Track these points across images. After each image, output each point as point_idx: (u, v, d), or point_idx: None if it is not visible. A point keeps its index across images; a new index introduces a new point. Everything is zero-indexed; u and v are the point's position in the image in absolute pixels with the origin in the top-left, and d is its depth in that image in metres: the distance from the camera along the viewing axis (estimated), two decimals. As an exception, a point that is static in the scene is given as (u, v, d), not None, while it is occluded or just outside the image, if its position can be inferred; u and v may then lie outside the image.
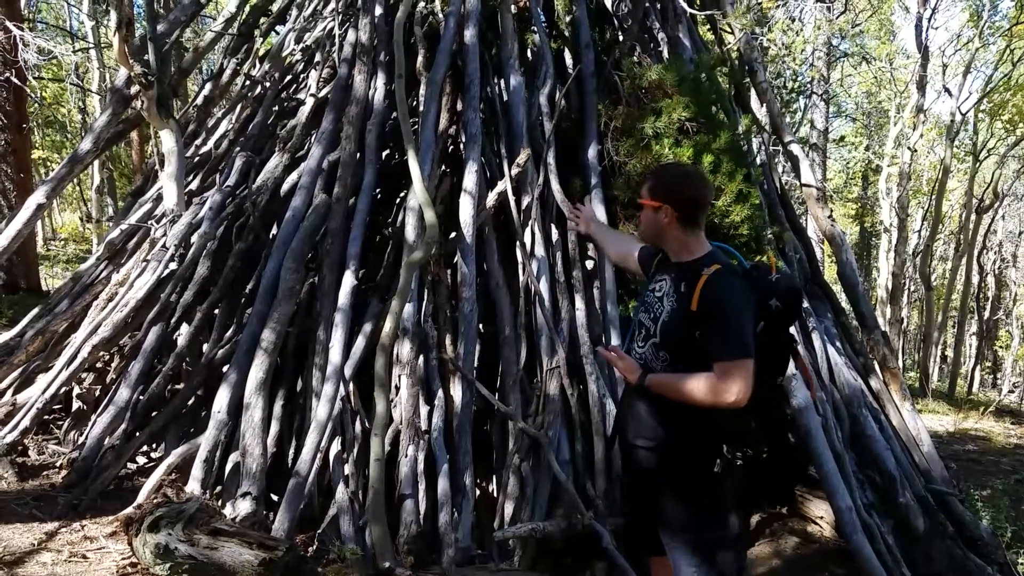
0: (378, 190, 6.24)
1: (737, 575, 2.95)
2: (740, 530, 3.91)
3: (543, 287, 5.27)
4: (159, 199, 6.38)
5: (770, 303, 2.78)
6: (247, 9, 7.41)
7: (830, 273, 14.72)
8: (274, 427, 4.94)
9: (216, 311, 5.68)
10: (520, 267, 5.47)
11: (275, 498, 4.59)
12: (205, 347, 5.63)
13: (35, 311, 6.31)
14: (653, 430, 2.82)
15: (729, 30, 7.57)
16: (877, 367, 6.27)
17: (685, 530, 2.80)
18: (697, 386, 2.64)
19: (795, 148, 6.71)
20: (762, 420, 2.81)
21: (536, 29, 6.52)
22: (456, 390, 4.97)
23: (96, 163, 17.86)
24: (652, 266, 3.11)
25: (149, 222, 6.22)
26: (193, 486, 4.51)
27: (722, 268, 2.75)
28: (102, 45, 16.98)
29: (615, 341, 5.30)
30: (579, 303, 5.32)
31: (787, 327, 2.97)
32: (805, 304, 5.97)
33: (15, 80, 9.57)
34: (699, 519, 2.80)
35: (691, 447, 2.76)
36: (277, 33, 7.74)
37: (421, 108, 5.74)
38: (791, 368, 5.15)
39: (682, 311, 2.73)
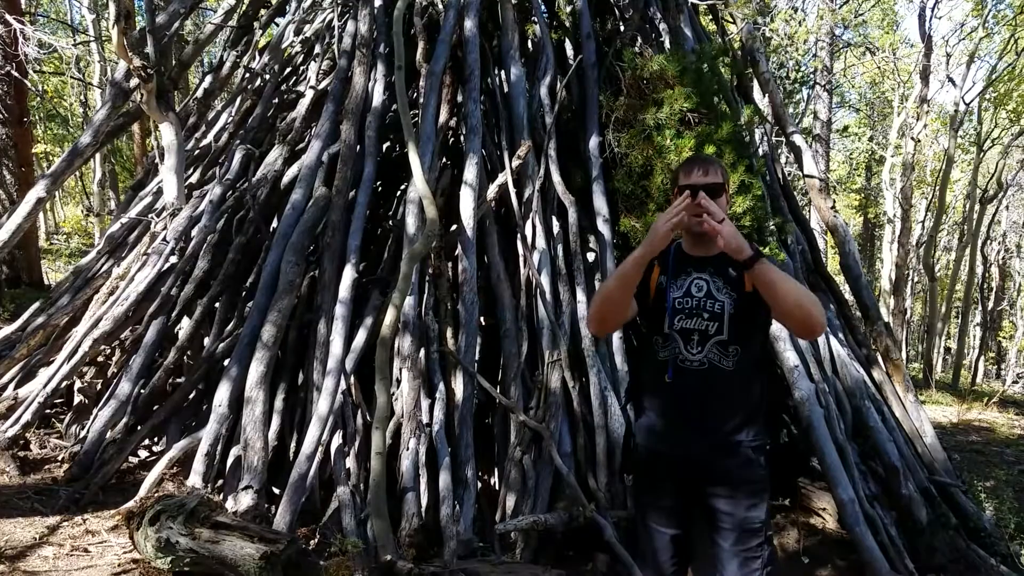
0: (378, 183, 6.23)
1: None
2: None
3: (544, 279, 5.25)
4: (159, 193, 6.37)
5: None
6: (247, 1, 7.39)
7: (833, 264, 14.68)
8: (275, 421, 4.93)
9: (217, 305, 5.68)
10: (521, 259, 5.45)
11: (276, 491, 4.59)
12: (206, 341, 5.63)
13: (36, 305, 6.32)
14: (733, 427, 2.72)
15: (731, 20, 7.54)
16: (880, 358, 6.25)
17: (768, 535, 2.77)
18: (806, 296, 2.62)
19: (798, 139, 6.68)
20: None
21: (537, 20, 6.50)
22: (457, 383, 4.96)
23: (98, 157, 17.83)
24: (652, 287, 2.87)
25: (149, 216, 6.22)
26: (194, 480, 4.51)
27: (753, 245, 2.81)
28: (103, 38, 16.93)
29: (616, 334, 5.29)
30: (580, 295, 5.31)
31: None
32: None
33: (16, 74, 9.56)
34: (763, 511, 2.79)
35: (765, 437, 2.76)
36: (277, 25, 7.72)
37: (421, 100, 5.72)
38: (795, 360, 5.18)
39: (743, 296, 2.71)
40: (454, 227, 5.49)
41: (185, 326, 5.58)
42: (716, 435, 2.73)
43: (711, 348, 2.71)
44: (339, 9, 6.52)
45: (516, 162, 5.46)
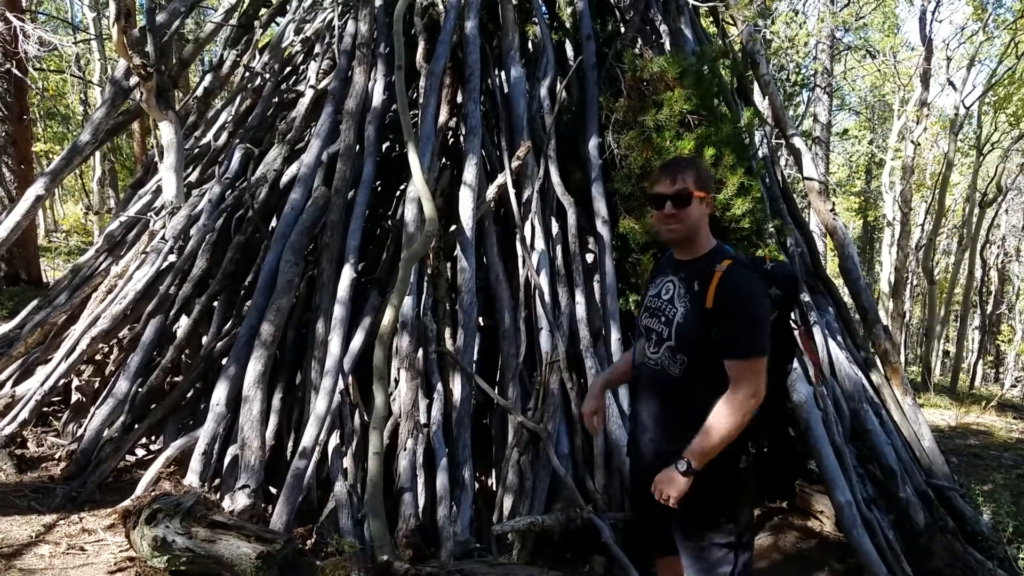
0: (378, 183, 6.23)
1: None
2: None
3: (543, 280, 5.25)
4: (159, 191, 6.37)
5: (770, 292, 2.74)
6: (247, 0, 7.38)
7: (832, 267, 14.68)
8: (273, 420, 4.93)
9: (215, 304, 5.67)
10: (520, 260, 5.45)
11: (273, 491, 4.58)
12: (204, 340, 5.62)
13: (34, 303, 6.31)
14: (670, 433, 2.77)
15: (732, 22, 7.54)
16: (879, 361, 6.25)
17: (703, 532, 2.77)
18: (727, 419, 2.56)
19: (798, 141, 6.67)
20: (763, 413, 2.72)
21: (537, 20, 6.49)
22: (455, 384, 4.95)
23: (98, 155, 17.85)
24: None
25: (148, 214, 6.21)
26: (191, 479, 4.50)
27: (734, 262, 2.68)
28: (103, 36, 16.93)
29: (615, 335, 5.29)
30: (579, 297, 5.31)
31: (788, 314, 2.92)
32: (806, 298, 5.95)
33: (16, 71, 9.56)
34: (717, 521, 2.75)
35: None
36: (277, 24, 7.71)
37: (421, 100, 5.71)
38: (793, 363, 5.18)
39: (697, 310, 2.65)
40: (453, 227, 5.48)
41: (183, 325, 5.57)
42: (653, 435, 2.84)
43: (664, 352, 2.76)
44: (339, 9, 6.51)
45: (515, 163, 5.45)
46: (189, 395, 5.38)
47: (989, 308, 25.33)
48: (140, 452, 5.25)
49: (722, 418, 2.57)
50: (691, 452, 2.58)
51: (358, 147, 5.71)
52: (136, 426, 5.03)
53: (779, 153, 10.78)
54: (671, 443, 2.73)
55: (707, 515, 2.74)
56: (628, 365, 3.15)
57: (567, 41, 6.99)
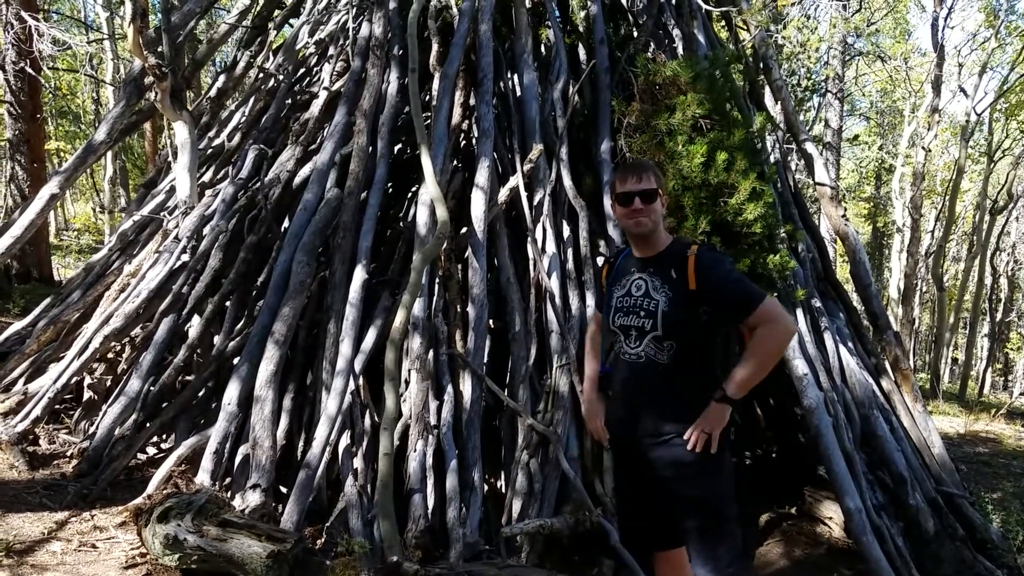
0: (390, 184, 6.24)
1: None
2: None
3: (554, 283, 5.25)
4: (172, 191, 6.41)
5: None
6: (261, 1, 7.42)
7: (842, 272, 14.64)
8: (284, 420, 4.94)
9: (227, 303, 5.69)
10: (531, 263, 5.45)
11: (284, 490, 4.60)
12: (216, 339, 5.65)
13: (47, 301, 6.35)
14: (667, 417, 2.87)
15: (744, 27, 7.52)
16: (889, 368, 6.23)
17: (714, 530, 2.84)
18: (773, 342, 2.76)
19: (809, 146, 6.65)
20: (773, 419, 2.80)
21: (550, 24, 6.50)
22: (466, 385, 4.96)
23: (109, 154, 17.92)
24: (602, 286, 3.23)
25: (162, 213, 6.24)
26: (203, 477, 4.52)
27: (699, 246, 2.92)
28: (117, 36, 17.02)
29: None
30: (590, 300, 5.31)
31: None
32: (817, 303, 5.95)
33: (30, 70, 9.63)
34: (725, 517, 2.86)
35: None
36: (291, 26, 7.74)
37: (434, 103, 5.73)
38: (803, 369, 5.17)
39: (680, 294, 2.83)
40: (465, 229, 5.49)
41: (196, 324, 5.59)
42: (647, 425, 2.91)
43: (648, 343, 2.90)
44: (354, 11, 6.54)
45: (527, 165, 5.46)
46: (201, 394, 5.40)
47: (999, 316, 25.18)
48: (152, 450, 5.27)
49: (764, 343, 2.74)
50: (729, 382, 2.76)
51: (371, 148, 5.73)
52: (148, 424, 5.05)
53: (791, 158, 10.77)
54: (669, 426, 2.86)
55: (718, 515, 2.84)
56: (594, 374, 3.32)
57: (580, 45, 7.00)
